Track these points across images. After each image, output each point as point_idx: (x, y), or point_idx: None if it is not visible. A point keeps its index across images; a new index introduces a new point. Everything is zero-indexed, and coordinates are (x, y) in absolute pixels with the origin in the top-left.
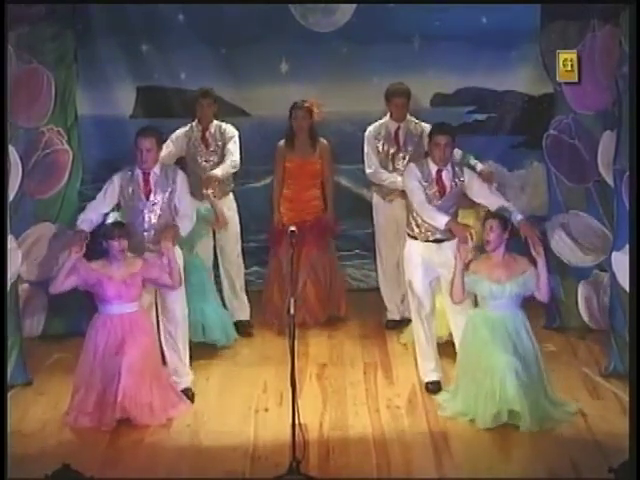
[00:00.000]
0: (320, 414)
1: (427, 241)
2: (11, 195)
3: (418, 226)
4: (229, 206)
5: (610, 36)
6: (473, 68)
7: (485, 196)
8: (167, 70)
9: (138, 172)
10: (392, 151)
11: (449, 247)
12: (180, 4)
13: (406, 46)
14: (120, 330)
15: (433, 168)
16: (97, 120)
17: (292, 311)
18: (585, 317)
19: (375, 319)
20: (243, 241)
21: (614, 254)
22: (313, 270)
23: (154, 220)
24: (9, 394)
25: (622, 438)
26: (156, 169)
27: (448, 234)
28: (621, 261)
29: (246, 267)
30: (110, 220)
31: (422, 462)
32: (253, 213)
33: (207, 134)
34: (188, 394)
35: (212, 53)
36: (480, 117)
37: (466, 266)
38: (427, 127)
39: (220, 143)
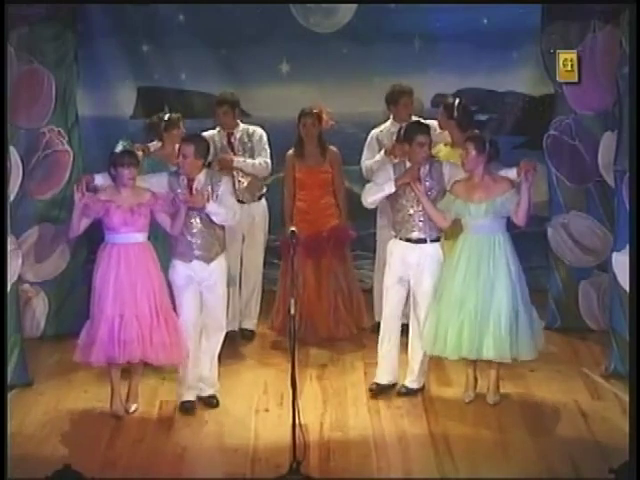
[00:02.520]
0: (320, 415)
1: (407, 240)
2: (12, 196)
3: (398, 224)
4: (259, 212)
5: (610, 37)
6: (474, 69)
7: None
8: (167, 71)
9: (183, 177)
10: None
11: (427, 249)
12: (180, 4)
13: (407, 47)
14: (128, 261)
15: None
16: (97, 121)
17: (292, 311)
18: (585, 318)
19: (375, 320)
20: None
21: (614, 255)
22: (337, 281)
23: (199, 227)
24: (10, 395)
25: (622, 438)
26: (201, 176)
27: (431, 233)
28: (621, 262)
29: None
30: (119, 148)
31: (422, 463)
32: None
33: (232, 139)
34: (213, 402)
35: (213, 54)
36: (481, 118)
37: (448, 189)
38: (432, 123)
39: (249, 145)
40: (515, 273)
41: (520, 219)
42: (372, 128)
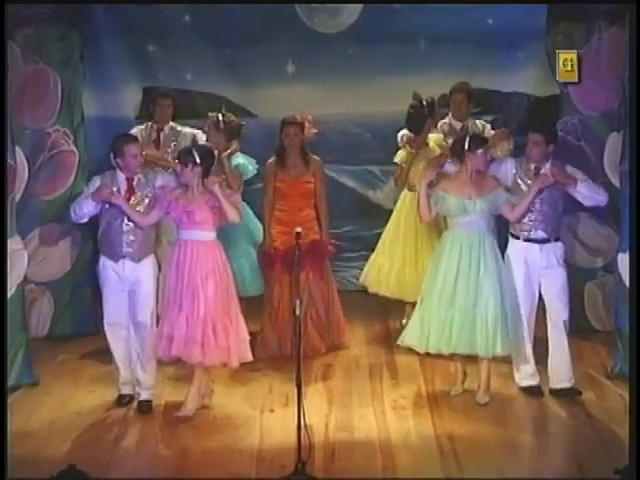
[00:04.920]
0: (326, 415)
1: (528, 240)
2: (17, 196)
3: (518, 224)
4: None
5: (616, 37)
6: (479, 69)
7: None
8: (173, 71)
9: (121, 176)
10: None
11: (552, 249)
12: (186, 5)
13: (412, 47)
14: (184, 257)
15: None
16: (103, 121)
17: (297, 312)
18: (591, 318)
19: (380, 320)
20: None
21: (620, 255)
22: (312, 301)
23: (130, 225)
24: (15, 394)
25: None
26: (140, 175)
27: (552, 232)
28: (627, 262)
29: None
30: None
31: (427, 463)
32: (258, 214)
33: (161, 135)
34: (144, 407)
35: (218, 54)
36: (486, 118)
37: (430, 184)
38: (487, 125)
39: (173, 145)
40: (502, 270)
41: (515, 215)
42: (376, 128)
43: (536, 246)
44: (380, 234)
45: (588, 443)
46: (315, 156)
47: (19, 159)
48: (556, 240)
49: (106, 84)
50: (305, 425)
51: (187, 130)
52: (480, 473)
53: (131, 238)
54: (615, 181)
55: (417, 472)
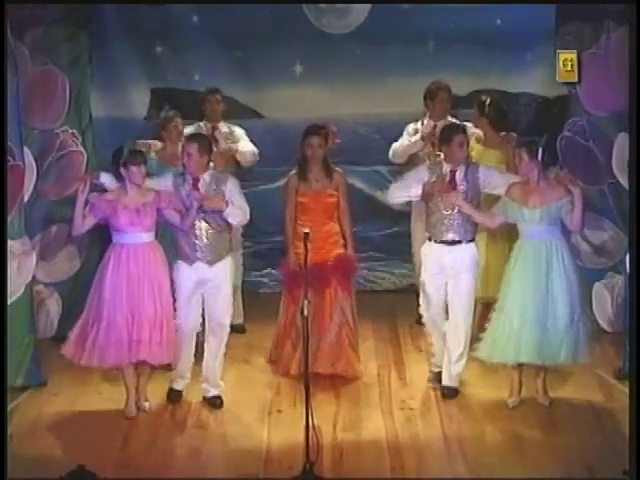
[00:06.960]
0: (334, 416)
1: (440, 242)
2: (26, 196)
3: (432, 226)
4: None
5: (625, 38)
6: (487, 70)
7: (506, 184)
8: (181, 72)
9: (188, 177)
10: (428, 150)
11: (463, 250)
12: (194, 5)
13: (420, 48)
14: (137, 260)
15: (447, 168)
16: (111, 122)
17: (306, 312)
18: (599, 319)
19: (388, 321)
20: (256, 243)
21: (629, 256)
22: (343, 314)
23: (204, 229)
24: (24, 395)
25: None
26: (206, 176)
27: (466, 234)
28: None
29: (259, 269)
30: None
31: (435, 464)
32: (266, 215)
33: (216, 133)
34: (216, 402)
35: (226, 55)
36: None
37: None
38: (468, 125)
39: (229, 142)
40: (573, 277)
41: (575, 225)
42: (385, 129)
43: (446, 248)
44: (388, 235)
45: (596, 444)
46: (337, 168)
47: (27, 160)
48: (469, 241)
49: (114, 85)
50: (313, 426)
51: (237, 128)
52: (488, 474)
53: (204, 242)
54: (623, 181)
55: (425, 473)
